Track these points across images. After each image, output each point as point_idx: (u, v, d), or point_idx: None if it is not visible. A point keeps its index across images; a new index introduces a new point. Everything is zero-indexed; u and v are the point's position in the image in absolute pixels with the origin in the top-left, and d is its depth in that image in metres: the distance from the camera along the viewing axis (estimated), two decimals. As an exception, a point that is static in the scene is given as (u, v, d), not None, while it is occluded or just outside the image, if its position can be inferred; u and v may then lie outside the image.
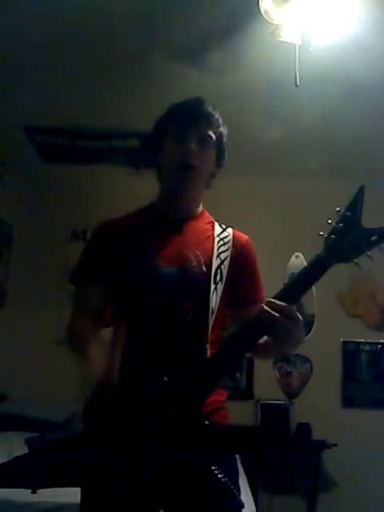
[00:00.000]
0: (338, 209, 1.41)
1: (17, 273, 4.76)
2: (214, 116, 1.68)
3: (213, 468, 1.36)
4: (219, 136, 1.69)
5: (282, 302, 1.44)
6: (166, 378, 1.44)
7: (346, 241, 1.39)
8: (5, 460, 3.12)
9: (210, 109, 1.68)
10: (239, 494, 1.44)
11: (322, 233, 1.42)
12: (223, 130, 1.71)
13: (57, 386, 4.19)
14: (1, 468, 1.87)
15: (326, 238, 1.42)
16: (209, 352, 1.53)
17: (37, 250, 4.81)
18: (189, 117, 1.65)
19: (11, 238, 4.78)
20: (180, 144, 1.64)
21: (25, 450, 3.18)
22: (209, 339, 1.55)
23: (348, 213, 1.39)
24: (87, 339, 1.56)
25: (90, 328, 1.63)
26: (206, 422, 1.43)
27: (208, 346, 1.53)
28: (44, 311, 4.66)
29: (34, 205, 4.93)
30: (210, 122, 1.67)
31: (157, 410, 1.41)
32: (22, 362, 4.44)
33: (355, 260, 1.40)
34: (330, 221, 1.42)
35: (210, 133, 1.66)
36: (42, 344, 4.58)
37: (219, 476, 1.36)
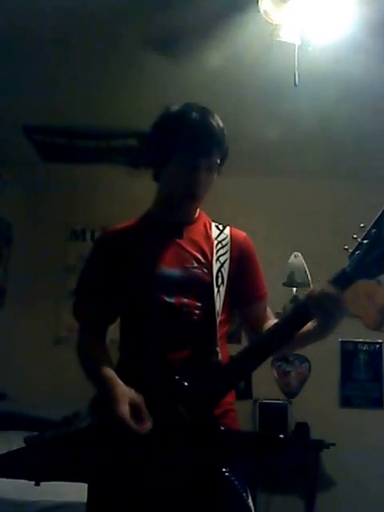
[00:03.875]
0: (362, 225, 1.43)
1: (16, 272, 4.77)
2: (223, 140, 1.65)
3: (224, 470, 1.38)
4: (223, 156, 1.68)
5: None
6: (177, 377, 1.46)
7: (371, 258, 1.41)
8: (4, 458, 3.11)
9: (220, 129, 1.63)
10: (248, 499, 1.45)
11: (346, 247, 1.44)
12: (227, 145, 1.68)
13: (56, 385, 4.20)
14: (4, 458, 1.88)
15: (350, 253, 1.44)
16: (220, 355, 1.54)
17: (36, 249, 4.81)
18: (201, 148, 1.61)
19: (11, 237, 4.79)
20: (189, 174, 1.62)
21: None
22: (218, 342, 1.56)
23: (374, 230, 1.41)
24: (100, 364, 1.57)
25: (101, 346, 1.66)
26: (222, 428, 1.46)
27: (219, 349, 1.55)
28: (43, 310, 4.67)
29: (33, 204, 4.93)
30: (219, 148, 1.64)
31: (169, 410, 1.44)
32: (20, 361, 4.45)
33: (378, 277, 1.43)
34: (355, 236, 1.43)
35: (218, 159, 1.65)
36: (40, 343, 4.59)
37: (230, 479, 1.38)
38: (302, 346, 1.67)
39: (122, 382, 1.50)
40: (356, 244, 1.43)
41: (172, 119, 1.66)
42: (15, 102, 3.88)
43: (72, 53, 3.39)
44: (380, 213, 1.41)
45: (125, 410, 1.41)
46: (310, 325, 1.51)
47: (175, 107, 1.68)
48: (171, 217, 1.72)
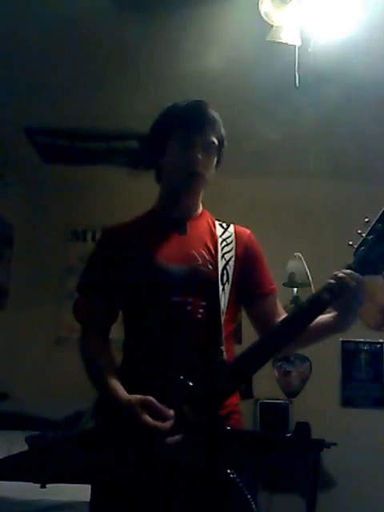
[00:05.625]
0: (366, 219, 1.41)
1: (17, 273, 4.78)
2: (217, 122, 1.69)
3: (229, 472, 1.38)
4: (220, 140, 1.71)
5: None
6: (182, 377, 1.45)
7: (376, 253, 1.39)
8: (5, 458, 3.10)
9: (214, 114, 1.69)
10: (253, 501, 1.43)
11: (351, 243, 1.42)
12: (224, 133, 1.73)
13: (57, 385, 4.21)
14: (8, 461, 1.87)
15: (355, 249, 1.42)
16: (225, 354, 1.53)
17: (37, 250, 4.83)
18: (195, 124, 1.66)
19: (12, 238, 4.79)
20: (185, 151, 1.65)
21: (25, 448, 3.20)
22: (223, 341, 1.55)
23: (379, 224, 1.39)
24: (106, 371, 1.56)
25: (105, 349, 1.64)
26: (228, 428, 1.45)
27: (223, 348, 1.53)
28: (44, 311, 4.68)
29: (35, 205, 4.95)
30: (214, 128, 1.68)
31: (174, 411, 1.42)
32: (22, 361, 4.46)
33: None
34: (359, 231, 1.41)
35: (214, 139, 1.68)
36: (42, 343, 4.60)
37: (235, 481, 1.37)
38: (315, 341, 1.61)
39: (125, 392, 1.48)
40: (360, 239, 1.41)
41: (168, 110, 1.73)
42: (17, 104, 3.89)
43: (73, 55, 3.40)
44: None
45: (144, 415, 1.40)
46: (325, 318, 1.50)
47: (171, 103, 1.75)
48: (174, 213, 1.72)
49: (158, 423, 1.40)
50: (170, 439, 1.39)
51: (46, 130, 4.35)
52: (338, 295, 1.42)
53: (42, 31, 3.18)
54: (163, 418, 1.41)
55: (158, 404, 1.42)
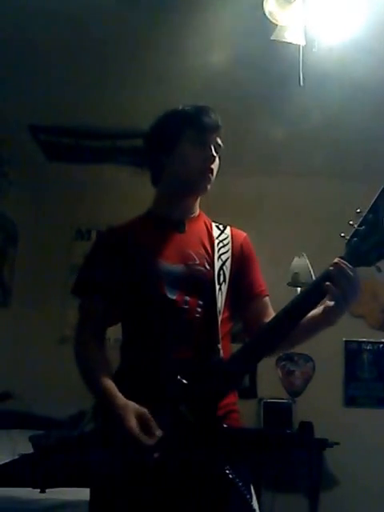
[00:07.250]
0: (358, 210, 1.38)
1: (22, 271, 4.79)
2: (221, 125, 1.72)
3: (227, 471, 1.37)
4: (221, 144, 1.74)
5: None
6: (179, 377, 1.45)
7: (368, 244, 1.37)
8: (9, 457, 3.13)
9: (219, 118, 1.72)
10: (251, 500, 1.43)
11: (343, 234, 1.41)
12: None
13: (61, 384, 4.20)
14: (8, 467, 1.85)
15: (347, 241, 1.40)
16: (222, 352, 1.53)
17: (41, 249, 4.84)
18: (210, 124, 1.68)
19: (16, 236, 4.81)
20: (202, 149, 1.67)
21: (29, 447, 3.20)
22: (220, 339, 1.55)
23: (370, 215, 1.36)
24: (99, 373, 1.54)
25: (99, 350, 1.63)
26: (225, 425, 1.45)
27: (220, 346, 1.54)
28: (48, 309, 4.69)
29: (39, 204, 4.96)
30: (221, 131, 1.71)
31: (172, 411, 1.42)
32: (26, 360, 4.47)
33: (376, 264, 1.38)
34: (351, 222, 1.39)
35: (220, 142, 1.71)
36: (46, 342, 4.61)
37: (233, 480, 1.37)
38: (305, 338, 1.59)
39: (121, 395, 1.47)
40: (352, 231, 1.39)
41: (177, 111, 1.74)
42: (21, 101, 3.90)
43: (78, 53, 3.41)
44: (376, 197, 1.37)
45: (132, 423, 1.40)
46: (316, 312, 1.49)
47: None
48: (173, 213, 1.73)
49: (141, 435, 1.38)
50: (148, 456, 1.38)
51: (51, 127, 4.36)
52: (336, 281, 1.39)
53: (46, 29, 3.19)
54: (150, 434, 1.39)
55: (150, 419, 1.41)
